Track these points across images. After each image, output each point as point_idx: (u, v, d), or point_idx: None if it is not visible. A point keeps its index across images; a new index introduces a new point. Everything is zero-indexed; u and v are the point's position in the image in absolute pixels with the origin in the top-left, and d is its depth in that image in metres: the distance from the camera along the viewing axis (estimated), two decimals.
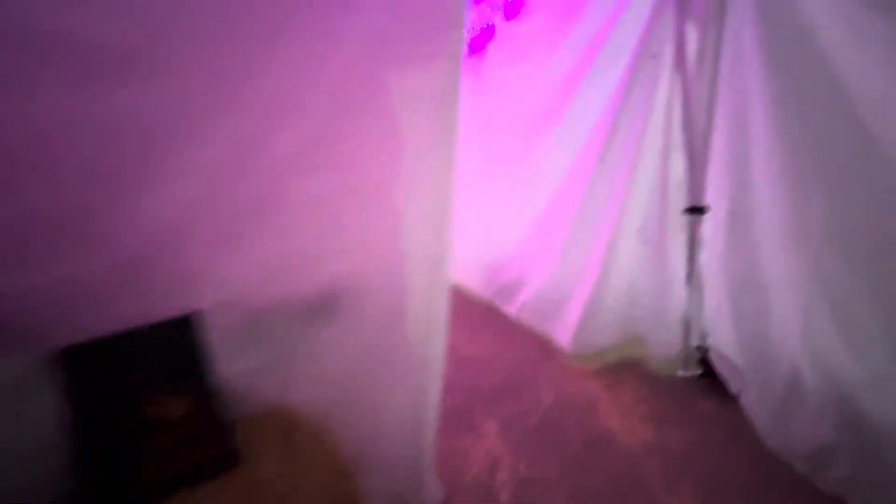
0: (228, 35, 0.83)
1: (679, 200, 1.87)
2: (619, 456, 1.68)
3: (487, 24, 2.40)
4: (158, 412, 0.94)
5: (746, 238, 1.56)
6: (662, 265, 2.02)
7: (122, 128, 0.81)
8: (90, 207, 0.82)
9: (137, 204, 0.85)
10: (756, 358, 1.60)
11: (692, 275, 1.88)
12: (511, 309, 2.72)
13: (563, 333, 2.34)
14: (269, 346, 1.08)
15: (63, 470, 0.83)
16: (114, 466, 0.87)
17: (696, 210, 1.79)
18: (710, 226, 1.78)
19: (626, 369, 2.18)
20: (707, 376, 1.98)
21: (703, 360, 1.99)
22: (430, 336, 1.26)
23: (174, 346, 0.96)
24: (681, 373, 2.06)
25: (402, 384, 1.28)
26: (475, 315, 2.89)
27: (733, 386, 1.81)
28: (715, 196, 1.73)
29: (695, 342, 2.00)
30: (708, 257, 1.82)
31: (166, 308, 0.92)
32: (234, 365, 1.03)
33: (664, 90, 1.79)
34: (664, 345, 2.10)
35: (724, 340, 1.81)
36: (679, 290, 1.98)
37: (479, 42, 2.50)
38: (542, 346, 2.42)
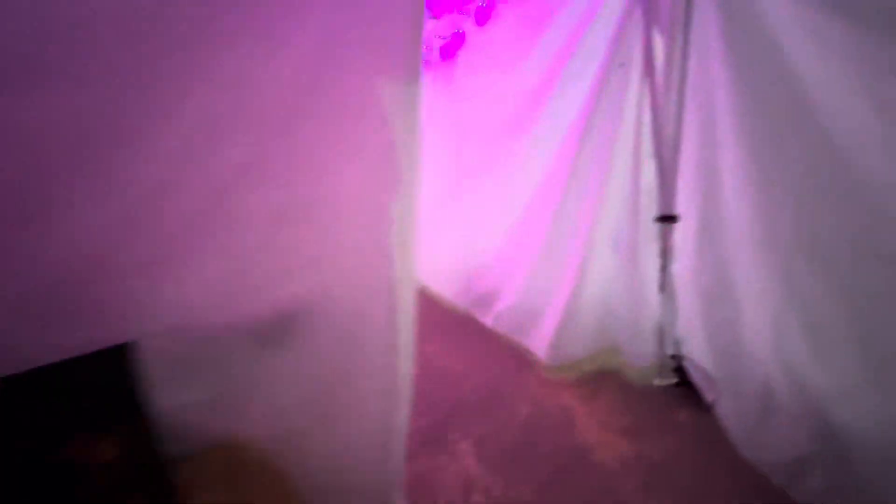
0: (162, 40, 0.75)
1: (651, 209, 1.86)
2: (596, 472, 1.64)
3: (458, 31, 2.37)
4: (84, 455, 0.84)
5: (717, 247, 1.55)
6: (636, 274, 2.01)
7: (41, 140, 0.72)
8: (3, 227, 0.72)
9: (60, 223, 0.76)
10: (729, 368, 1.59)
11: (665, 284, 1.86)
12: (488, 319, 2.68)
13: (539, 344, 2.31)
14: (216, 376, 1.00)
15: None
16: None
17: (667, 219, 1.78)
18: (681, 235, 1.77)
19: (602, 379, 2.15)
20: (683, 385, 1.96)
21: (679, 369, 1.98)
22: (396, 356, 1.19)
23: (104, 381, 0.87)
24: (656, 382, 2.04)
25: (366, 408, 1.20)
26: (451, 325, 2.83)
27: (708, 395, 1.80)
28: (686, 205, 1.72)
29: (669, 351, 1.99)
30: (680, 266, 1.81)
31: (96, 338, 0.83)
32: (176, 398, 0.94)
33: (634, 98, 1.78)
34: (639, 354, 2.09)
35: (697, 350, 1.80)
36: (653, 299, 1.97)
37: (451, 48, 2.46)
38: (519, 358, 2.37)
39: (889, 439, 1.18)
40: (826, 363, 1.24)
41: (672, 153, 1.70)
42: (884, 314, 1.11)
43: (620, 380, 2.13)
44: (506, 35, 2.17)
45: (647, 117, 1.76)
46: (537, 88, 2.05)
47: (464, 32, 2.36)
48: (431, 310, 3.16)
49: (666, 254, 1.83)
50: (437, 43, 2.51)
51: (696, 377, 1.87)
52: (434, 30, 2.53)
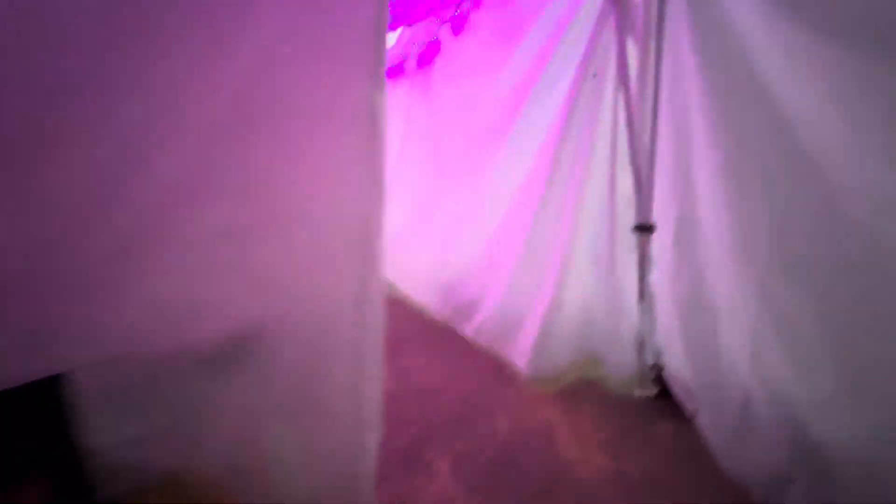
0: (87, 45, 0.69)
1: (629, 218, 1.85)
2: (577, 490, 1.59)
3: (434, 39, 2.34)
4: (3, 500, 0.75)
5: (693, 258, 1.54)
6: (615, 283, 1.99)
7: None
8: None
9: None
10: (708, 380, 1.56)
11: (643, 294, 1.84)
12: (468, 330, 2.63)
13: (519, 355, 2.26)
14: (161, 407, 0.92)
15: None
16: None
17: (644, 228, 1.76)
18: (658, 244, 1.75)
19: (583, 391, 2.11)
20: (664, 395, 1.94)
21: (660, 379, 1.96)
22: (362, 378, 1.13)
23: (31, 418, 0.78)
24: (637, 392, 2.01)
25: (331, 434, 1.13)
26: (431, 337, 2.77)
27: (688, 407, 1.77)
28: (662, 214, 1.71)
29: (650, 361, 1.96)
30: (658, 276, 1.79)
31: (21, 371, 0.75)
32: (115, 434, 0.87)
33: (609, 108, 1.77)
34: (620, 364, 2.06)
35: (676, 360, 1.78)
36: (632, 309, 1.95)
37: (427, 56, 2.43)
38: (499, 370, 2.32)
39: (867, 454, 1.16)
40: (803, 376, 1.22)
41: (648, 163, 1.68)
42: (859, 327, 1.10)
43: (601, 391, 2.10)
44: (481, 44, 2.15)
45: (622, 127, 1.74)
46: (513, 98, 2.03)
47: (439, 41, 2.33)
48: (411, 321, 3.10)
49: (644, 263, 1.82)
50: (414, 50, 2.48)
51: (676, 388, 1.85)
52: (410, 38, 2.50)
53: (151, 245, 0.83)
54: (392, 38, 2.60)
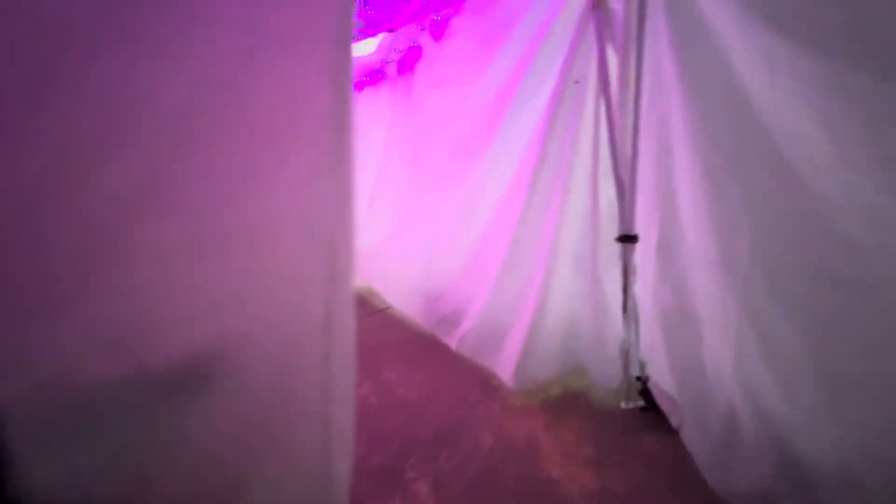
0: (9, 44, 0.63)
1: (612, 228, 1.82)
2: None
3: (414, 44, 2.30)
4: None
5: (676, 269, 1.51)
6: (599, 294, 1.96)
7: None
8: None
9: None
10: (692, 394, 1.53)
11: (627, 305, 1.81)
12: (452, 341, 2.57)
13: (503, 367, 2.22)
14: (107, 440, 0.84)
15: None
16: None
17: (627, 238, 1.73)
18: (641, 255, 1.72)
19: (568, 403, 2.07)
20: (650, 407, 1.90)
21: (645, 392, 1.92)
22: (332, 402, 1.07)
23: None
24: (623, 405, 1.98)
25: (299, 463, 1.07)
26: (415, 348, 2.71)
27: (673, 420, 1.74)
28: (645, 224, 1.68)
29: (635, 373, 1.93)
30: (641, 287, 1.76)
31: None
32: (54, 471, 0.79)
33: (590, 116, 1.74)
34: (605, 376, 2.02)
35: (660, 373, 1.75)
36: (617, 320, 1.92)
37: (408, 62, 2.39)
38: (484, 382, 2.27)
39: (852, 471, 1.14)
40: (787, 391, 1.19)
41: (630, 172, 1.66)
42: (841, 342, 1.07)
43: (587, 403, 2.06)
44: (461, 50, 2.11)
45: (604, 135, 1.72)
46: (495, 105, 2.00)
47: (420, 46, 2.29)
48: (395, 331, 3.04)
49: (627, 274, 1.79)
50: (394, 56, 2.44)
51: (661, 400, 1.82)
52: (391, 43, 2.46)
53: (97, 263, 0.76)
54: (373, 44, 2.56)
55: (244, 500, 0.99)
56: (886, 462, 1.12)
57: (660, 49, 1.44)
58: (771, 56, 1.09)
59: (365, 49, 2.56)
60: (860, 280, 1.06)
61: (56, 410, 0.79)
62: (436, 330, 2.72)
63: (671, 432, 1.77)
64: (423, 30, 2.23)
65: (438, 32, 2.16)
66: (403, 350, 2.72)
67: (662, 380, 1.75)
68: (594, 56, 1.65)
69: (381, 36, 2.45)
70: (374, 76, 2.64)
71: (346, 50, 0.91)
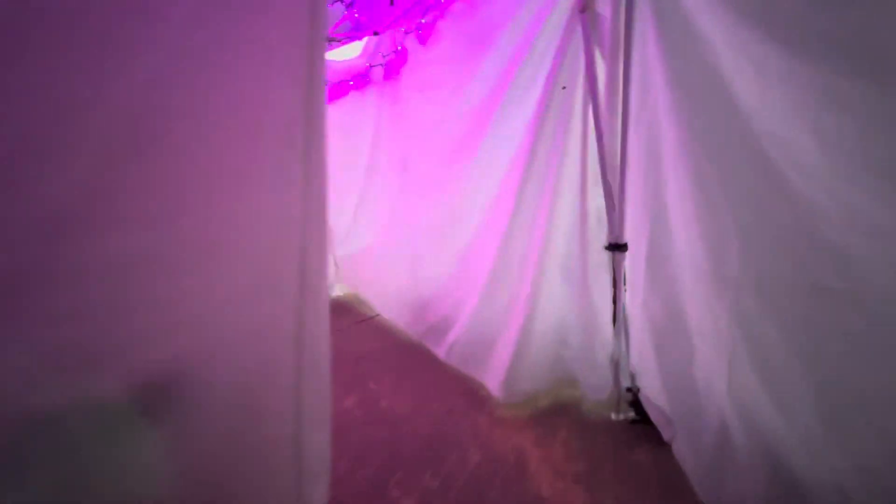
0: None
1: (601, 236, 1.78)
2: None
3: (400, 48, 2.26)
4: None
5: (666, 279, 1.47)
6: (588, 303, 1.91)
7: None
8: None
9: None
10: (684, 408, 1.49)
11: (617, 315, 1.77)
12: (440, 350, 2.51)
13: (492, 378, 2.16)
14: (54, 473, 0.77)
15: None
16: None
17: (616, 247, 1.69)
18: (631, 264, 1.68)
19: (558, 415, 2.02)
20: (641, 419, 1.86)
21: (636, 403, 1.88)
22: (304, 424, 1.00)
23: None
24: (613, 417, 1.93)
25: (270, 490, 1.00)
26: (402, 358, 2.64)
27: (665, 433, 1.69)
28: (635, 232, 1.64)
29: (626, 384, 1.88)
30: (631, 297, 1.72)
31: None
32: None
33: (578, 122, 1.71)
34: (595, 387, 1.98)
35: (651, 386, 1.70)
36: (607, 330, 1.87)
37: (394, 66, 2.35)
38: (472, 393, 2.21)
39: (846, 487, 1.10)
40: (781, 407, 1.15)
41: (619, 179, 1.62)
42: (834, 356, 1.04)
43: (576, 415, 2.01)
44: (448, 55, 2.07)
45: (592, 141, 1.68)
46: (481, 110, 1.96)
47: (406, 50, 2.25)
48: (383, 340, 2.97)
49: (617, 283, 1.75)
50: (380, 60, 2.39)
51: (651, 413, 1.77)
52: (376, 47, 2.42)
53: (33, 283, 0.69)
54: (358, 47, 2.51)
55: None
56: (882, 478, 1.08)
57: (648, 53, 1.41)
58: (762, 61, 1.05)
59: (350, 53, 2.51)
60: (854, 291, 1.03)
61: None
62: (424, 339, 2.66)
63: (662, 445, 1.72)
64: (409, 33, 2.18)
65: (425, 36, 2.12)
66: (390, 359, 2.65)
67: (653, 392, 1.70)
68: (582, 61, 1.61)
69: (366, 39, 2.40)
70: (359, 80, 2.59)
71: (318, 53, 0.86)
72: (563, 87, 1.64)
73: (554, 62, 1.64)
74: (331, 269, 3.61)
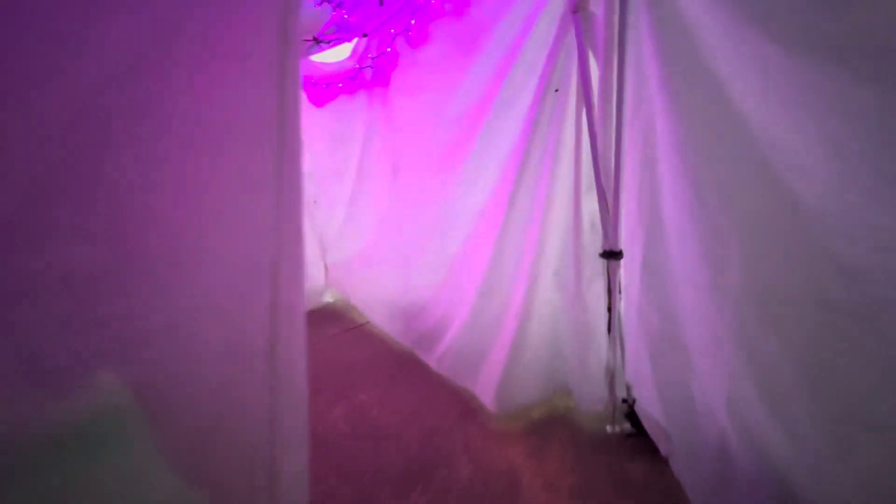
0: None
1: (596, 243, 1.73)
2: None
3: (389, 50, 2.20)
4: None
5: (662, 290, 1.42)
6: (583, 312, 1.86)
7: None
8: None
9: None
10: (682, 423, 1.43)
11: (612, 324, 1.71)
12: (431, 359, 2.45)
13: (484, 389, 2.10)
14: (7, 493, 0.70)
15: None
16: None
17: (611, 254, 1.64)
18: (626, 272, 1.63)
19: (552, 427, 1.96)
20: (637, 432, 1.80)
21: (632, 415, 1.82)
22: (277, 448, 0.93)
23: None
24: (609, 429, 1.87)
25: None
26: (392, 367, 2.57)
27: (662, 447, 1.64)
28: (630, 240, 1.59)
29: (621, 395, 1.83)
30: (627, 306, 1.66)
31: None
32: None
33: (571, 126, 1.66)
34: (590, 398, 1.92)
35: (648, 399, 1.65)
36: (602, 339, 1.82)
37: (383, 68, 2.29)
38: (463, 404, 2.15)
39: None
40: (784, 423, 1.10)
41: (614, 185, 1.57)
42: (841, 372, 0.98)
43: (571, 427, 1.95)
44: (439, 57, 2.02)
45: (586, 145, 1.63)
46: (473, 114, 1.90)
47: (396, 52, 2.19)
48: (373, 348, 2.89)
49: (612, 292, 1.69)
50: (369, 62, 2.33)
51: (648, 427, 1.72)
52: (366, 48, 2.36)
53: None
54: (347, 49, 2.46)
55: None
56: (890, 499, 1.03)
57: (643, 55, 1.36)
58: (762, 63, 1.01)
59: (339, 54, 2.46)
60: (861, 306, 0.97)
61: None
62: (415, 347, 2.60)
63: (659, 459, 1.67)
64: (399, 35, 2.13)
65: (415, 38, 2.07)
66: (380, 368, 2.58)
67: (650, 405, 1.65)
68: (575, 63, 1.57)
69: (355, 41, 2.35)
70: (348, 83, 2.54)
71: (291, 50, 0.80)
72: (556, 90, 1.59)
73: (546, 64, 1.59)
74: (321, 275, 3.54)
